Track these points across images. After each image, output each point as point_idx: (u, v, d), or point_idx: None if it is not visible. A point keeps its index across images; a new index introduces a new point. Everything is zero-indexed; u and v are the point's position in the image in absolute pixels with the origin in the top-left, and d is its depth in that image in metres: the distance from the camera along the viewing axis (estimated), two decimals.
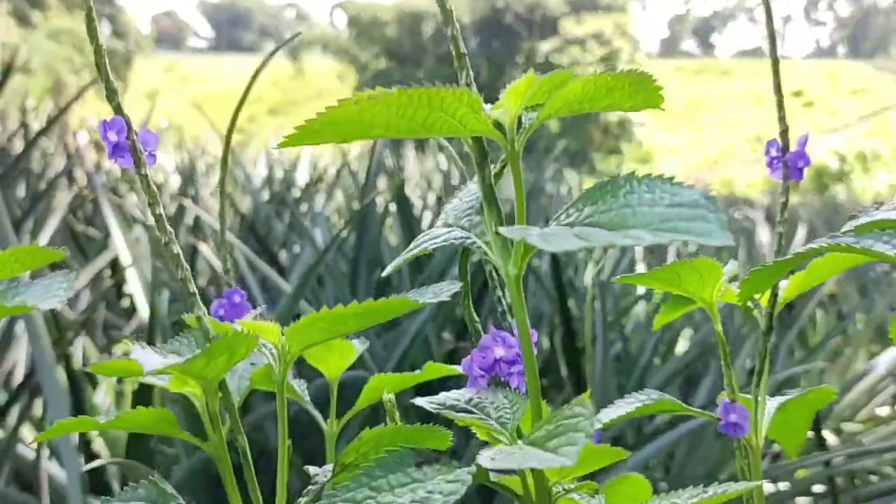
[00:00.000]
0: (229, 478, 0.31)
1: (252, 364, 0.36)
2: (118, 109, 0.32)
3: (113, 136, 0.30)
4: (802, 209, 5.51)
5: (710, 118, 34.45)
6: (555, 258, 1.48)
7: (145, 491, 0.29)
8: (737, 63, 43.01)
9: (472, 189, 0.32)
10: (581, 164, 25.19)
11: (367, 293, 1.37)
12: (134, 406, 1.44)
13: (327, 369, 0.39)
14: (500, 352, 0.31)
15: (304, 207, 2.47)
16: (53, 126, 1.65)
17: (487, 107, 0.27)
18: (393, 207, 1.83)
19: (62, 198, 1.29)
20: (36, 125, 3.04)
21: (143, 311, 1.26)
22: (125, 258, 1.27)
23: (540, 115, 0.26)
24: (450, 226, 0.30)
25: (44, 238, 1.27)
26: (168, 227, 0.32)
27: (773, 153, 0.36)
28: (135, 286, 1.24)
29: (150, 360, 0.29)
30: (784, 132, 0.35)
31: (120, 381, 1.46)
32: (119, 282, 1.80)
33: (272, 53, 0.42)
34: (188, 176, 2.70)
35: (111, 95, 0.31)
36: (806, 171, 0.39)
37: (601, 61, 27.29)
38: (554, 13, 28.18)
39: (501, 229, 0.27)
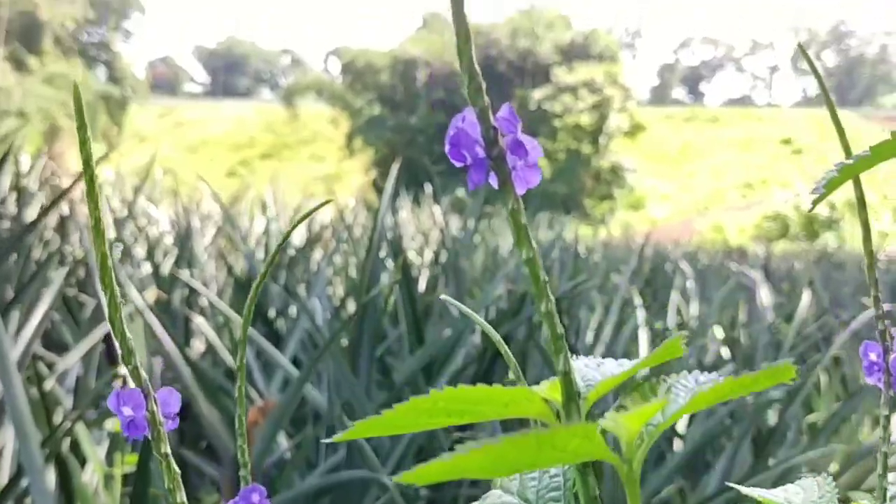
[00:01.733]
0: None
1: None
2: (135, 374, 0.28)
3: (128, 412, 0.26)
4: (797, 261, 5.51)
5: (700, 164, 34.75)
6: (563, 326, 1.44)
7: None
8: (725, 111, 43.55)
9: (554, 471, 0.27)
10: (573, 209, 25.29)
11: (368, 370, 1.33)
12: (124, 486, 1.38)
13: None
14: None
15: (300, 269, 2.44)
16: (52, 209, 1.62)
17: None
18: (396, 273, 1.79)
19: (59, 273, 1.25)
20: (31, 180, 3.01)
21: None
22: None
23: (661, 425, 0.23)
24: (526, 500, 0.26)
25: (41, 310, 1.23)
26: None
27: (873, 357, 0.32)
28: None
29: None
30: (883, 332, 0.32)
31: (109, 463, 1.40)
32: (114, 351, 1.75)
33: None
34: (183, 234, 2.66)
35: (114, 355, 0.28)
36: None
37: (593, 108, 27.58)
38: (546, 61, 28.56)
39: None
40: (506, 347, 0.30)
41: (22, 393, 0.79)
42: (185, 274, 1.82)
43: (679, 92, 71.02)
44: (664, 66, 73.14)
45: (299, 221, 0.34)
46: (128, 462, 1.32)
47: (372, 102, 29.91)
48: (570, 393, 0.23)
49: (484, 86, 0.22)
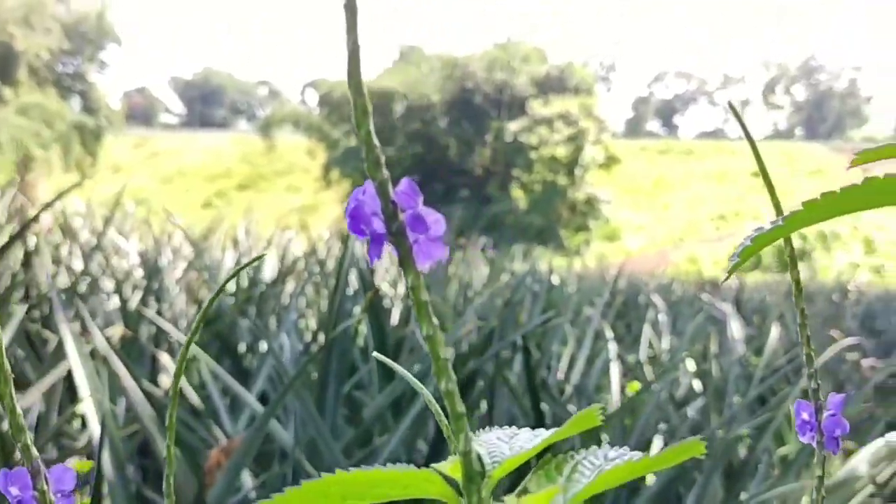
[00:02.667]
0: None
1: None
2: (26, 451, 0.28)
3: (16, 492, 0.25)
4: (769, 294, 5.56)
5: (675, 196, 35.15)
6: (527, 358, 1.44)
7: None
8: (699, 143, 44.19)
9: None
10: (549, 241, 25.41)
11: (334, 407, 1.31)
12: None
13: None
14: None
15: (271, 303, 2.42)
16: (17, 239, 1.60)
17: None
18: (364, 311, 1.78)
19: (21, 308, 1.23)
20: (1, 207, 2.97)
21: (95, 427, 1.19)
22: (81, 382, 1.21)
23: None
24: None
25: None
26: None
27: (805, 417, 0.32)
28: (88, 404, 1.17)
29: None
30: (816, 391, 0.31)
31: None
32: (72, 388, 1.72)
33: None
34: (152, 267, 2.63)
35: (25, 450, 0.27)
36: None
37: (568, 140, 27.86)
38: (522, 94, 28.87)
39: None
40: (436, 406, 0.30)
41: None
42: (151, 311, 1.79)
43: (653, 124, 72.00)
44: (639, 98, 74.20)
45: (235, 273, 0.33)
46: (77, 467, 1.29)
47: (349, 133, 30.00)
48: (471, 473, 0.22)
49: (383, 159, 0.22)
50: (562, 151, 27.94)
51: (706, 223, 32.02)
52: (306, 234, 4.57)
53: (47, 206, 1.40)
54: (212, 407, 1.44)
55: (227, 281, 0.33)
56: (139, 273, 2.96)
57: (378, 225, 0.21)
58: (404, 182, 0.22)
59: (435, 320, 0.22)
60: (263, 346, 1.86)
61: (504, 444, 0.26)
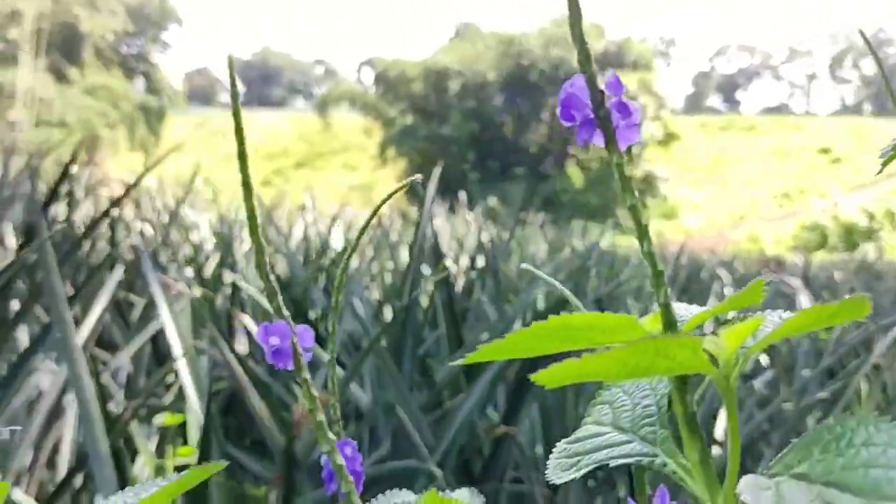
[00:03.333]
0: None
1: None
2: (279, 311, 0.31)
3: (275, 341, 0.29)
4: (837, 271, 5.43)
5: (736, 174, 34.39)
6: None
7: None
8: (762, 119, 43.09)
9: (643, 384, 0.29)
10: (605, 219, 25.15)
11: (410, 370, 1.36)
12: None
13: None
14: None
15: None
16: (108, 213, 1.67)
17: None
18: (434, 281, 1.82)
19: (115, 273, 1.30)
20: (78, 187, 3.09)
21: (190, 391, 1.25)
22: (173, 339, 1.27)
23: (754, 347, 0.25)
24: (621, 429, 0.28)
25: (97, 310, 1.27)
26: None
27: None
28: (182, 364, 1.23)
29: None
30: None
31: (160, 454, 1.44)
32: (160, 350, 1.80)
33: None
34: (224, 239, 2.72)
35: (272, 297, 0.31)
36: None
37: None
38: (578, 70, 28.48)
39: (728, 486, 0.24)
40: (575, 301, 0.33)
41: (90, 383, 0.83)
42: (229, 275, 1.86)
43: (714, 100, 70.40)
44: (699, 73, 72.56)
45: (365, 227, 0.36)
46: (180, 454, 1.36)
47: (405, 112, 30.09)
48: (671, 321, 0.25)
49: (592, 54, 0.25)
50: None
51: (768, 201, 31.28)
52: (366, 211, 4.64)
53: (137, 182, 1.46)
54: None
55: (361, 235, 0.36)
56: (210, 245, 3.05)
57: (588, 112, 0.24)
58: (611, 75, 0.25)
59: (635, 194, 0.25)
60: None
61: (683, 311, 0.28)
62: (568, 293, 0.34)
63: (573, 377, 0.23)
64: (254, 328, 1.52)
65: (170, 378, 1.71)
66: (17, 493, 1.05)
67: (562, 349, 0.25)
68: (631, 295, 2.90)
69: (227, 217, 3.62)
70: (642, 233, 0.26)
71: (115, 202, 1.02)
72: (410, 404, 1.23)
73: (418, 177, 0.34)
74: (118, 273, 1.41)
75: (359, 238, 0.41)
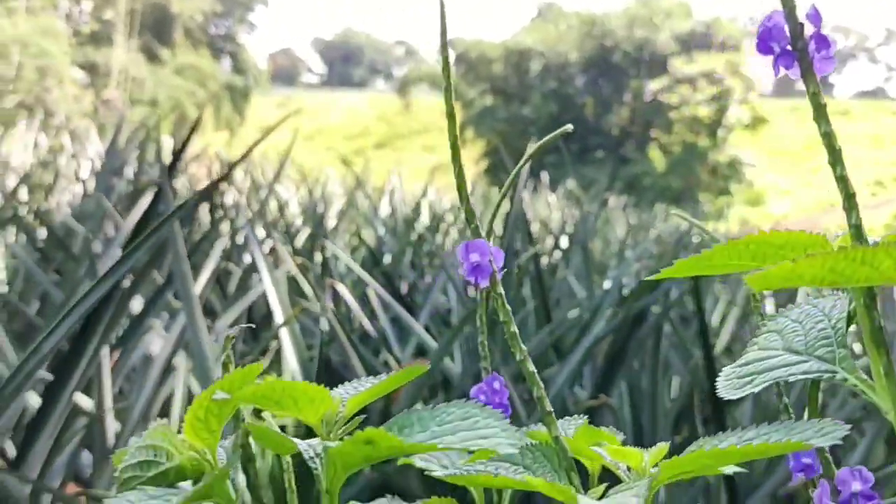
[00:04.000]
0: None
1: None
2: (476, 232, 0.33)
3: (475, 258, 0.31)
4: None
5: (826, 159, 33.04)
6: (697, 293, 1.44)
7: None
8: (856, 103, 41.30)
9: (814, 311, 0.31)
10: (687, 204, 24.59)
11: (502, 343, 1.38)
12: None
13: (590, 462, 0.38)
14: (857, 486, 0.29)
15: (425, 247, 2.51)
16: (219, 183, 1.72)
17: None
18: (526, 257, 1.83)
19: (218, 246, 1.35)
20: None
21: (290, 355, 1.30)
22: (274, 304, 1.32)
23: None
24: (795, 351, 0.29)
25: (199, 284, 1.33)
26: (520, 345, 0.32)
27: None
28: (283, 332, 1.28)
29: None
30: None
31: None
32: (253, 319, 1.86)
33: None
34: (312, 212, 2.78)
35: (470, 218, 0.33)
36: None
37: (712, 100, 26.74)
38: (664, 52, 27.85)
39: None
40: None
41: (205, 332, 0.88)
42: (327, 243, 1.92)
43: None
44: None
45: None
46: (277, 417, 1.42)
47: (484, 93, 29.99)
48: (862, 240, 0.26)
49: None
50: (704, 111, 26.85)
51: (861, 188, 29.95)
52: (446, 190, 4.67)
53: (242, 159, 1.51)
54: (384, 336, 1.54)
55: (496, 209, 0.38)
56: (299, 220, 3.14)
57: (785, 43, 0.26)
58: (812, 7, 0.26)
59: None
60: (423, 283, 1.95)
61: None
62: (700, 225, 0.35)
63: (785, 280, 0.24)
64: (348, 295, 1.56)
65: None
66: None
67: (755, 265, 0.27)
68: (719, 279, 2.85)
69: (314, 192, 3.71)
70: (836, 158, 0.27)
71: (223, 176, 1.06)
72: (500, 373, 1.25)
73: (569, 127, 0.35)
74: (223, 242, 1.47)
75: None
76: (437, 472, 0.35)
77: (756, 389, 0.28)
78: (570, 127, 0.35)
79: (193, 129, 1.10)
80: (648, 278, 0.30)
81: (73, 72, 25.66)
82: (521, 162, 0.40)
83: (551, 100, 28.28)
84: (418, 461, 0.37)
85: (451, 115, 0.33)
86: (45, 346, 0.73)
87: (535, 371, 0.32)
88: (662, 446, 0.33)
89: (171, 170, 1.05)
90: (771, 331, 0.31)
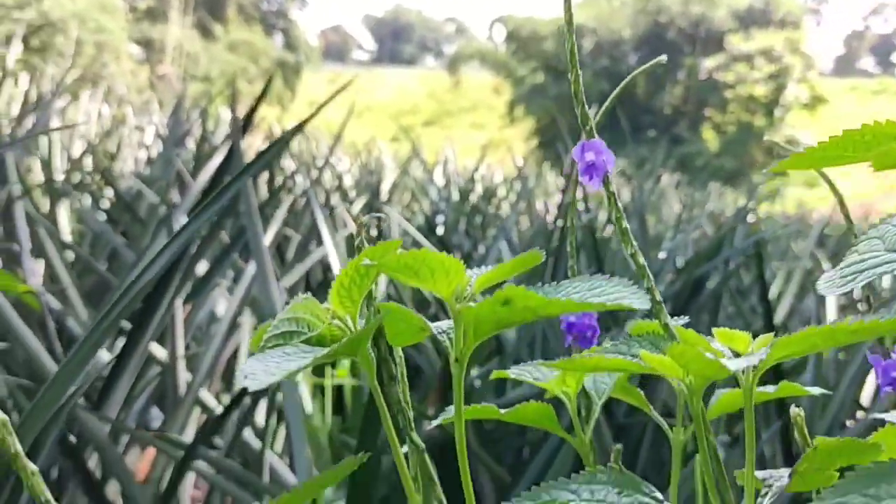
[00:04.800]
0: (592, 469, 0.33)
1: None
2: (591, 133, 0.35)
3: (591, 157, 0.33)
4: None
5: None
6: (759, 261, 1.43)
7: (608, 476, 0.30)
8: None
9: None
10: (740, 185, 24.11)
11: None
12: (335, 400, 1.51)
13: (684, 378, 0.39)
14: None
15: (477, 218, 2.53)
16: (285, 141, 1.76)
17: None
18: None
19: (280, 211, 1.39)
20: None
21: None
22: (335, 262, 1.36)
23: None
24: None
25: (266, 239, 1.37)
26: (631, 240, 0.34)
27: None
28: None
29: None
30: None
31: (320, 374, 1.55)
32: (309, 285, 1.91)
33: None
34: (367, 183, 2.82)
35: (585, 120, 0.35)
36: None
37: (769, 78, 26.09)
38: (720, 28, 27.22)
39: None
40: None
41: (275, 284, 0.91)
42: (385, 208, 1.95)
43: (867, 62, 65.67)
44: (852, 33, 67.77)
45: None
46: (338, 375, 1.46)
47: (535, 70, 29.72)
48: None
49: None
50: (761, 90, 26.23)
51: None
52: (503, 164, 4.68)
53: (310, 118, 1.54)
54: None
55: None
56: (353, 193, 3.18)
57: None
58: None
59: None
60: (478, 251, 1.97)
61: None
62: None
63: (832, 159, 0.25)
64: None
65: None
66: (204, 393, 1.16)
67: (862, 160, 0.28)
68: (777, 258, 2.81)
69: (367, 165, 3.75)
70: None
71: (299, 125, 1.08)
72: (550, 344, 1.27)
73: (663, 58, 0.36)
74: (285, 206, 1.50)
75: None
76: (529, 379, 0.37)
77: (859, 284, 0.29)
78: (664, 58, 0.36)
79: (265, 91, 1.12)
80: (768, 170, 0.31)
81: (129, 47, 26.11)
82: (604, 107, 0.41)
83: (603, 78, 27.89)
84: (512, 371, 0.39)
85: (569, 22, 0.34)
86: (124, 299, 0.77)
87: (646, 264, 0.33)
88: (769, 335, 0.34)
89: (245, 128, 1.08)
90: (872, 238, 0.32)
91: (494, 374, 0.41)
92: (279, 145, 0.78)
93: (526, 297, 0.30)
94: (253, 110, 1.07)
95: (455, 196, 2.60)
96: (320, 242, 1.91)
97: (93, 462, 1.00)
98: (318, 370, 1.57)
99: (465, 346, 0.30)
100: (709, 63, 27.07)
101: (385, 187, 3.15)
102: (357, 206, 2.44)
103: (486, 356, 1.54)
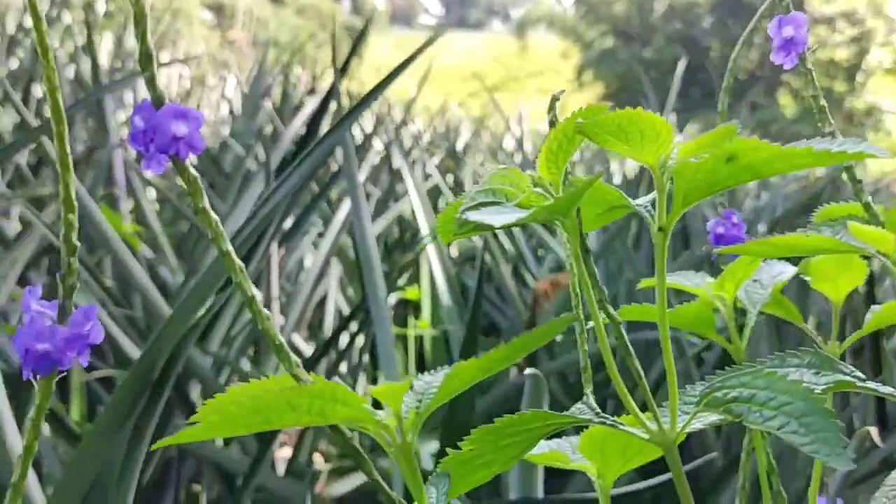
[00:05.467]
0: None
1: None
2: (787, 8, 0.35)
3: (788, 32, 0.33)
4: None
5: None
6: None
7: (801, 359, 0.30)
8: None
9: None
10: None
11: (647, 254, 1.39)
12: (417, 344, 1.53)
13: (834, 290, 0.39)
14: None
15: None
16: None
17: None
18: None
19: (365, 164, 1.41)
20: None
21: (436, 268, 1.36)
22: (421, 218, 1.38)
23: None
24: None
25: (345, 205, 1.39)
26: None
27: None
28: (430, 246, 1.34)
29: None
30: None
31: (401, 324, 1.57)
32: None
33: None
34: (442, 142, 2.82)
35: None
36: None
37: (851, 42, 24.98)
38: None
39: None
40: None
41: (370, 227, 0.93)
42: (466, 158, 1.96)
43: None
44: None
45: None
46: (420, 327, 1.48)
47: (605, 34, 29.08)
48: None
49: None
50: (842, 54, 25.16)
51: None
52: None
53: (380, 87, 1.55)
54: (519, 250, 1.58)
55: None
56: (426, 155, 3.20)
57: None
58: None
59: None
60: None
61: None
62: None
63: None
64: None
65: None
66: (297, 339, 1.20)
67: None
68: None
69: (439, 127, 3.76)
70: None
71: (388, 79, 1.10)
72: (636, 292, 1.27)
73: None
74: (368, 162, 1.52)
75: None
76: (687, 286, 0.37)
77: None
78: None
79: (356, 44, 1.14)
80: None
81: (201, 13, 26.53)
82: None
83: (675, 41, 27.14)
84: (669, 278, 0.39)
85: None
86: (238, 238, 0.79)
87: None
88: None
89: (343, 73, 1.10)
90: None
91: (643, 283, 0.41)
92: (381, 89, 0.79)
93: (755, 151, 0.28)
94: (350, 56, 1.08)
95: (529, 151, 2.59)
96: (397, 199, 1.93)
97: (195, 394, 1.05)
98: (400, 320, 1.60)
99: (673, 213, 0.29)
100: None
101: (459, 147, 3.16)
102: (433, 162, 2.46)
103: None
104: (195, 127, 0.24)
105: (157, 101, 0.25)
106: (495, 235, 1.65)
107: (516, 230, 1.59)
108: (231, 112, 2.61)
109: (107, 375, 1.18)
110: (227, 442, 1.12)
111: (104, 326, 1.13)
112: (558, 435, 0.33)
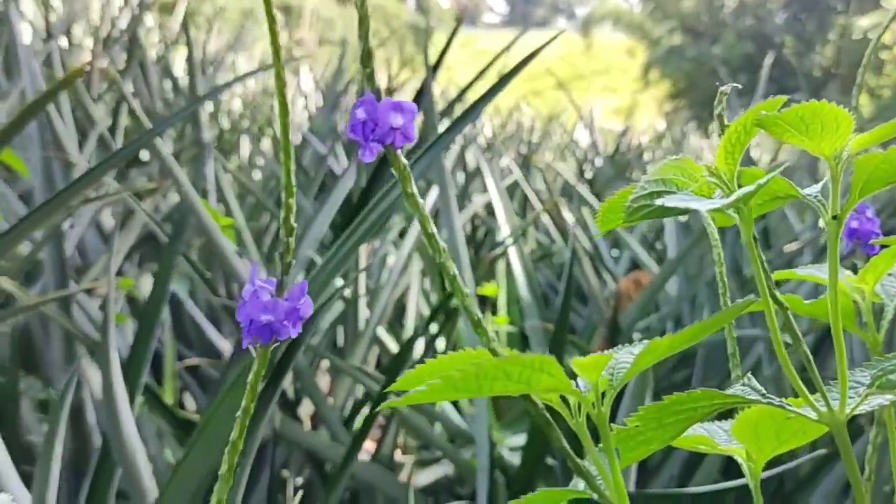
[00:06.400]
0: None
1: None
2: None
3: None
4: None
5: None
6: None
7: None
8: None
9: None
10: None
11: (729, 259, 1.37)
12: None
13: None
14: None
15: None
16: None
17: None
18: None
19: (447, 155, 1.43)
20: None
21: (515, 258, 1.37)
22: (499, 212, 1.39)
23: None
24: None
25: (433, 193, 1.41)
26: None
27: None
28: (510, 241, 1.35)
29: None
30: None
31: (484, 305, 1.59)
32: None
33: None
34: (511, 140, 2.83)
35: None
36: None
37: None
38: None
39: None
40: None
41: (459, 224, 0.94)
42: (542, 150, 1.97)
43: None
44: None
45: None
46: (497, 322, 1.50)
47: (672, 31, 28.59)
48: None
49: None
50: None
51: None
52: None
53: (497, 88, 1.57)
54: (596, 248, 1.58)
55: None
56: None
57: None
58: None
59: None
60: None
61: None
62: None
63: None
64: (566, 212, 1.61)
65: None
66: (381, 330, 1.22)
67: None
68: None
69: (509, 125, 3.77)
70: None
71: (488, 95, 1.11)
72: (713, 300, 1.25)
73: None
74: (450, 155, 1.54)
75: None
76: (820, 278, 0.38)
77: None
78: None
79: (449, 41, 1.15)
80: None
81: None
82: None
83: (746, 38, 26.53)
84: (800, 271, 0.39)
85: None
86: (352, 239, 0.81)
87: None
88: None
89: (436, 68, 1.12)
90: None
91: (778, 275, 0.41)
92: (497, 89, 0.80)
93: None
94: (442, 54, 1.10)
95: (602, 149, 2.59)
96: (469, 199, 1.95)
97: (286, 382, 1.08)
98: None
99: (849, 202, 0.30)
100: (864, 22, 25.22)
101: (533, 143, 3.17)
102: (505, 160, 2.47)
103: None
104: (409, 119, 0.26)
105: (376, 94, 0.27)
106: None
107: (592, 224, 1.59)
108: (306, 108, 2.67)
109: (194, 364, 1.23)
110: (313, 428, 1.15)
111: (191, 316, 1.16)
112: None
